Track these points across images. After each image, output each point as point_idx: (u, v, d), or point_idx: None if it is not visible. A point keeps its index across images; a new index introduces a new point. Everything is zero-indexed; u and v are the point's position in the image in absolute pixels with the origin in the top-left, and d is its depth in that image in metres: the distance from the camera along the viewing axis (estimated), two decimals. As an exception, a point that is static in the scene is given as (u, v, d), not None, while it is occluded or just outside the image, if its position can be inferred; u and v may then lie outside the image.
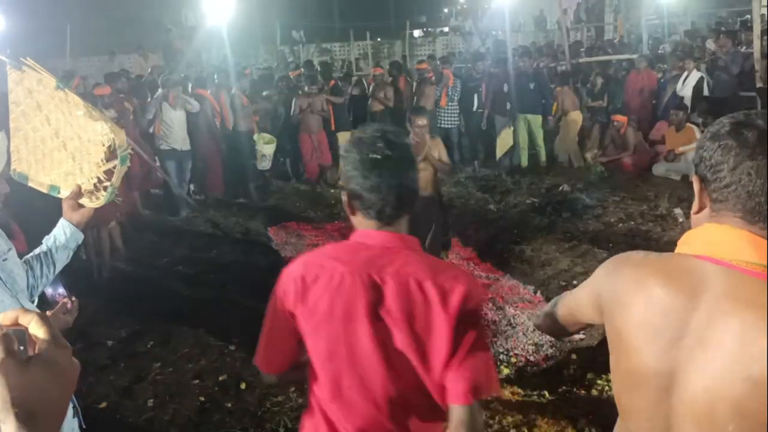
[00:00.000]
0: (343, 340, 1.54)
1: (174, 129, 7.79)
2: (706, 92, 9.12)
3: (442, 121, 9.64)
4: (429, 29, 29.00)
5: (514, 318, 4.88)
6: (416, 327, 1.50)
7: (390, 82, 10.53)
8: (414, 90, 10.33)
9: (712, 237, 1.25)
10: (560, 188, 8.35)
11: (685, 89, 9.17)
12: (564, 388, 3.92)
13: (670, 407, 1.24)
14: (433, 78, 10.04)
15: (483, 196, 8.42)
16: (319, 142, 9.16)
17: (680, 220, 6.81)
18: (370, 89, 10.55)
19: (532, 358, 4.35)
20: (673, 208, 7.19)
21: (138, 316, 5.12)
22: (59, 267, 2.02)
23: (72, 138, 1.85)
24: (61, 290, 2.28)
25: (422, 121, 5.21)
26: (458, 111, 9.75)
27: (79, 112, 1.81)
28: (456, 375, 1.49)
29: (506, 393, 3.91)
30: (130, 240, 6.85)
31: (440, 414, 1.56)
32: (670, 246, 1.37)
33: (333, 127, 9.49)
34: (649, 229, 6.64)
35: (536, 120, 9.33)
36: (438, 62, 11.17)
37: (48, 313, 1.76)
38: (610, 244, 6.16)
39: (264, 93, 9.72)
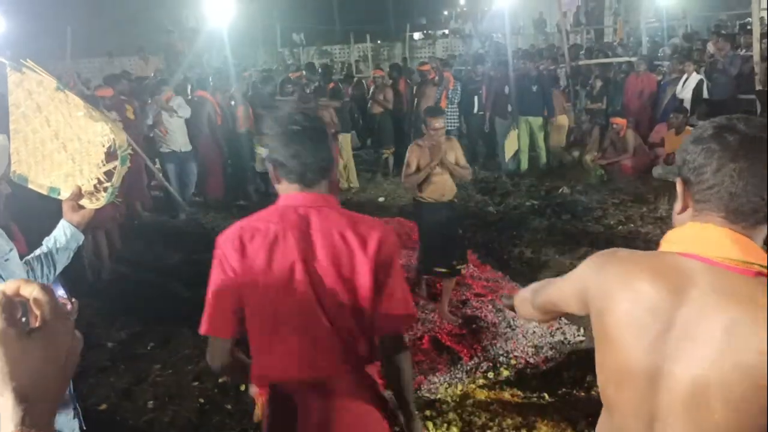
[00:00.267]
0: (281, 288, 1.76)
1: (173, 131, 7.80)
2: (705, 95, 9.12)
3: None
4: (429, 32, 29.00)
5: (513, 320, 4.88)
6: (343, 271, 1.77)
7: (390, 84, 10.54)
8: (414, 92, 10.33)
9: (696, 235, 1.29)
10: (560, 190, 8.36)
11: (685, 92, 9.18)
12: (564, 390, 3.92)
13: (657, 401, 1.29)
14: (436, 79, 10.05)
15: (483, 198, 8.42)
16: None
17: (680, 222, 6.80)
18: (370, 91, 10.56)
19: (531, 360, 4.35)
20: (672, 210, 7.18)
21: (138, 318, 5.12)
22: (59, 268, 2.02)
23: (72, 139, 1.85)
24: (61, 292, 2.28)
25: (439, 122, 4.81)
26: (458, 113, 9.77)
27: (80, 113, 1.81)
28: (383, 310, 1.80)
29: (506, 395, 3.92)
30: (130, 242, 6.85)
31: (373, 352, 1.87)
32: (670, 248, 1.40)
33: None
34: (648, 231, 6.64)
35: (537, 122, 9.36)
36: (439, 63, 11.18)
37: None
38: (610, 246, 6.14)
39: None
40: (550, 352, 4.42)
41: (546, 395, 3.85)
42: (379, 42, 23.23)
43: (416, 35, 26.29)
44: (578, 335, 4.58)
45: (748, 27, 10.82)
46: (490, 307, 5.14)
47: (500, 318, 4.95)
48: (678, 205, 1.38)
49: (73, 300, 2.18)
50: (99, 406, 4.00)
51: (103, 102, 7.04)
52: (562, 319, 4.69)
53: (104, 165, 1.83)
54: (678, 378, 1.25)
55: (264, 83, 9.42)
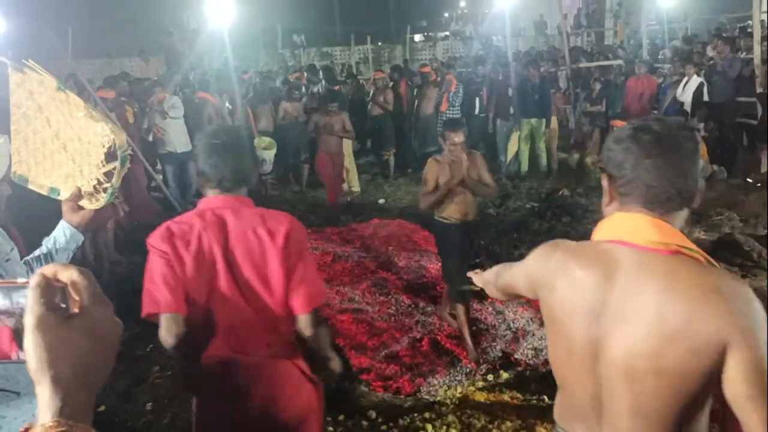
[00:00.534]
0: (206, 277, 2.05)
1: (170, 132, 7.79)
2: (706, 98, 9.12)
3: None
4: (430, 33, 29.05)
5: (513, 322, 4.88)
6: (256, 261, 2.07)
7: (391, 86, 10.54)
8: (415, 93, 10.33)
9: (621, 224, 1.46)
10: (560, 192, 8.35)
11: (685, 95, 9.18)
12: (563, 392, 3.91)
13: (599, 374, 1.45)
14: (437, 80, 10.05)
15: (483, 201, 8.41)
16: (339, 164, 8.15)
17: (680, 225, 6.80)
18: (371, 93, 10.56)
19: (531, 362, 4.35)
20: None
21: (137, 320, 5.11)
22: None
23: (72, 140, 1.85)
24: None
25: (459, 136, 4.30)
26: (460, 115, 9.77)
27: (80, 113, 1.81)
28: (295, 293, 2.09)
29: (505, 397, 3.91)
30: (130, 243, 6.84)
31: (291, 329, 2.15)
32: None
33: None
34: (648, 234, 6.64)
35: (538, 124, 9.37)
36: (441, 65, 11.18)
37: None
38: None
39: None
40: (549, 355, 4.41)
41: (545, 397, 3.85)
42: (379, 44, 23.24)
43: (417, 37, 26.32)
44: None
45: (749, 30, 10.83)
46: (490, 309, 5.14)
47: (500, 320, 4.95)
48: (605, 199, 1.54)
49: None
50: (98, 407, 3.99)
51: (105, 103, 7.04)
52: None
53: (104, 165, 1.83)
54: (614, 352, 1.41)
55: (264, 85, 9.42)
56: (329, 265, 6.39)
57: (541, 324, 4.67)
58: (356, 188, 9.19)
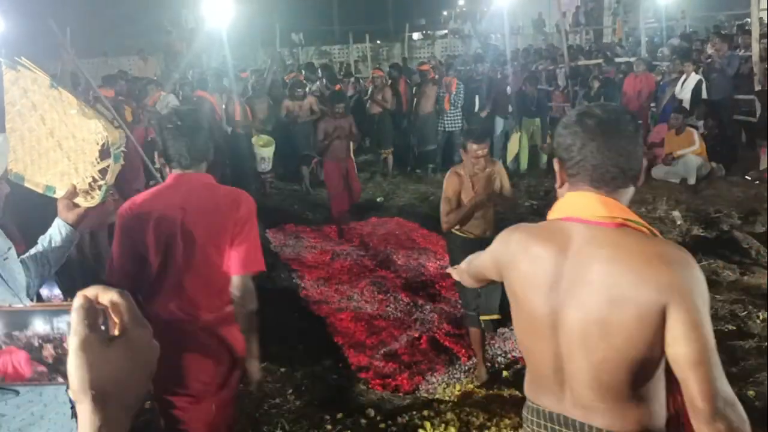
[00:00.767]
0: (170, 242, 2.33)
1: None
2: (704, 95, 9.12)
3: (446, 125, 9.68)
4: (428, 32, 28.98)
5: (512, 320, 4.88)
6: (210, 230, 2.34)
7: (389, 84, 10.53)
8: (414, 92, 10.33)
9: (572, 202, 1.58)
10: (559, 191, 8.34)
11: (684, 92, 9.18)
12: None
13: (558, 343, 1.56)
14: (435, 77, 10.05)
15: (481, 199, 8.41)
16: (348, 170, 7.41)
17: (678, 222, 6.80)
18: (369, 91, 10.56)
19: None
20: (671, 210, 7.18)
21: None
22: (55, 267, 2.01)
23: (67, 137, 1.84)
24: (57, 291, 2.27)
25: (482, 149, 3.88)
26: (461, 114, 9.79)
27: (73, 110, 1.80)
28: (235, 254, 2.35)
29: (504, 395, 3.91)
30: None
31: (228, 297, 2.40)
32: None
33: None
34: (647, 231, 6.64)
35: (538, 124, 9.41)
36: (442, 67, 11.17)
37: None
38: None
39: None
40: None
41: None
42: (378, 42, 23.21)
43: (415, 35, 26.27)
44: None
45: (746, 27, 10.83)
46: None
47: (498, 318, 4.95)
48: (558, 181, 1.65)
49: (69, 299, 2.17)
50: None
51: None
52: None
53: (98, 163, 1.83)
54: (569, 321, 1.52)
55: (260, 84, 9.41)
56: (328, 264, 6.39)
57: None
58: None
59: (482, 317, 4.05)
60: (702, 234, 6.47)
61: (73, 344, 0.69)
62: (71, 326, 0.70)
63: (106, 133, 1.80)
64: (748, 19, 10.31)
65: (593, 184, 1.54)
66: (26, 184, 2.00)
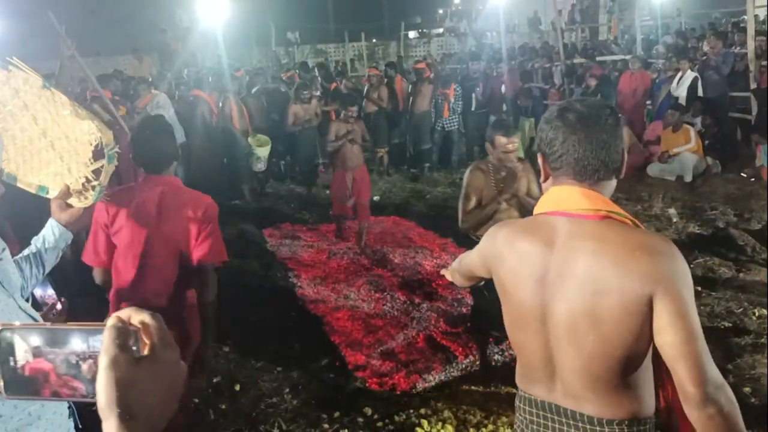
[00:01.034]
0: (137, 237, 2.63)
1: None
2: (700, 92, 9.14)
3: (445, 124, 9.68)
4: (424, 30, 28.98)
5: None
6: (178, 227, 2.63)
7: (385, 82, 10.51)
8: (410, 90, 10.31)
9: (556, 197, 1.60)
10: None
11: (680, 90, 9.19)
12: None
13: (547, 335, 1.59)
14: (431, 76, 10.03)
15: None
16: (360, 180, 6.74)
17: (674, 220, 6.81)
18: (365, 90, 10.54)
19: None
20: (667, 208, 7.20)
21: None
22: (48, 268, 2.00)
23: (60, 138, 1.83)
24: (50, 291, 2.26)
25: (512, 143, 3.58)
26: (459, 113, 9.80)
27: (66, 111, 1.79)
28: (198, 248, 2.66)
29: (501, 393, 3.91)
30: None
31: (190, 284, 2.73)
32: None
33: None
34: (643, 229, 6.64)
35: (531, 122, 9.42)
36: (438, 63, 11.14)
37: (39, 313, 1.75)
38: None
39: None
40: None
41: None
42: (374, 40, 23.22)
43: (411, 34, 26.28)
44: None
45: (742, 25, 10.85)
46: (485, 305, 5.14)
47: (495, 316, 4.95)
48: (542, 176, 1.67)
49: (62, 300, 2.16)
50: (94, 406, 3.97)
51: (100, 102, 7.00)
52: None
53: (92, 163, 1.82)
54: (557, 313, 1.55)
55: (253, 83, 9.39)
56: (324, 263, 6.38)
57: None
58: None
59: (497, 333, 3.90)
60: (698, 231, 6.48)
61: (103, 362, 0.71)
62: (102, 345, 0.72)
63: (99, 133, 1.79)
64: (744, 17, 10.32)
65: (576, 177, 1.57)
66: (19, 184, 1.99)
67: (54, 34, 6.31)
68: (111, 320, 0.74)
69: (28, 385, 0.76)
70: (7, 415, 1.52)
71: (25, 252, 1.97)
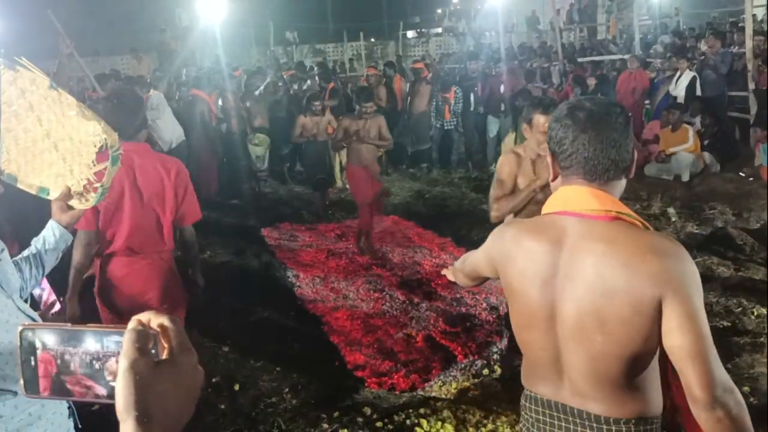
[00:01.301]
0: (116, 199, 2.91)
1: (154, 134, 7.74)
2: (699, 92, 9.15)
3: (444, 123, 9.68)
4: (422, 30, 29.01)
5: (506, 317, 4.88)
6: (155, 189, 2.97)
7: (384, 82, 10.50)
8: (408, 90, 10.31)
9: (566, 196, 1.60)
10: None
11: (678, 89, 9.20)
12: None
13: (555, 335, 1.59)
14: (429, 76, 10.02)
15: (477, 197, 8.42)
16: (372, 177, 6.43)
17: (673, 219, 6.83)
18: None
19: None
20: (666, 207, 7.21)
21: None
22: (48, 269, 2.00)
23: (63, 139, 1.83)
24: (49, 291, 2.26)
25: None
26: (459, 113, 9.80)
27: (72, 112, 1.79)
28: (180, 211, 3.08)
29: (500, 392, 3.92)
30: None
31: (171, 246, 3.15)
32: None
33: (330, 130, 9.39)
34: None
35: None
36: (436, 63, 11.11)
37: (37, 313, 1.75)
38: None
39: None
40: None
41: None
42: (372, 40, 23.20)
43: (410, 33, 26.28)
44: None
45: (740, 24, 10.86)
46: (484, 305, 5.15)
47: (494, 316, 4.96)
48: (551, 175, 1.67)
49: (61, 299, 2.16)
50: (93, 406, 3.98)
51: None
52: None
53: (95, 165, 1.82)
54: (565, 313, 1.54)
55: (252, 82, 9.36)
56: (323, 262, 6.38)
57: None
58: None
59: None
60: (696, 230, 6.49)
61: (122, 365, 0.71)
62: (122, 348, 0.72)
63: (105, 135, 1.79)
64: (743, 16, 10.33)
65: (586, 177, 1.56)
66: (19, 185, 1.99)
67: (52, 33, 6.32)
68: (131, 323, 0.75)
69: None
70: (8, 416, 1.52)
71: (25, 253, 1.97)
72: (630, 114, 1.60)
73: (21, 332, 0.77)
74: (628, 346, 1.48)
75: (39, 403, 1.60)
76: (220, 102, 8.80)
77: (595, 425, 1.58)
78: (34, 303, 2.73)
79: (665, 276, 1.42)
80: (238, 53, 18.33)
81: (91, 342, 0.76)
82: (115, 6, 18.96)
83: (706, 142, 8.50)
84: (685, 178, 8.14)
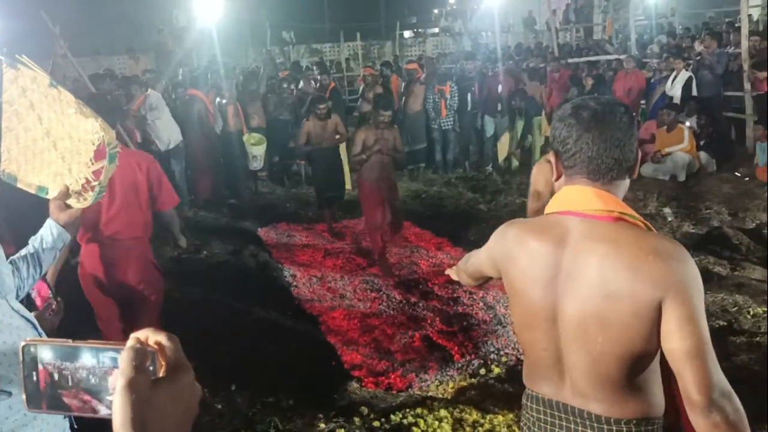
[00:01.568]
0: (110, 200, 3.40)
1: (152, 133, 7.74)
2: (695, 92, 9.16)
3: (441, 123, 9.68)
4: (419, 30, 28.99)
5: (504, 317, 4.90)
6: (129, 181, 3.42)
7: (381, 82, 10.49)
8: (402, 90, 10.30)
9: (569, 196, 1.59)
10: (550, 188, 8.35)
11: (674, 89, 9.21)
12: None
13: (557, 335, 1.59)
14: (423, 77, 10.02)
15: (474, 196, 8.43)
16: (389, 188, 6.01)
17: (669, 219, 6.84)
18: (360, 89, 10.52)
19: (522, 357, 4.35)
20: (662, 207, 7.23)
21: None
22: (45, 268, 1.99)
23: (63, 137, 1.83)
24: (47, 291, 2.25)
25: None
26: (456, 111, 9.80)
27: (71, 110, 1.79)
28: (159, 198, 3.59)
29: (497, 392, 3.92)
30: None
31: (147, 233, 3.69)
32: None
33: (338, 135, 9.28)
34: (638, 228, 6.66)
35: (529, 122, 9.44)
36: (433, 61, 11.10)
37: (33, 314, 1.74)
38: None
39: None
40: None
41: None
42: (369, 40, 23.16)
43: (406, 33, 26.25)
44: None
45: (736, 25, 10.89)
46: (481, 304, 5.16)
47: (491, 315, 4.96)
48: (554, 174, 1.66)
49: (59, 299, 2.16)
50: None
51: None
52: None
53: (93, 164, 1.81)
54: (567, 313, 1.54)
55: (248, 82, 9.34)
56: (320, 262, 6.38)
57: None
58: (347, 185, 9.15)
59: None
60: (692, 230, 6.51)
61: (119, 383, 0.71)
62: (120, 366, 0.72)
63: (103, 132, 1.78)
64: (738, 17, 10.36)
65: (589, 176, 1.55)
66: (18, 185, 1.98)
67: (48, 33, 6.30)
68: (129, 341, 0.74)
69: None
70: (2, 416, 1.52)
71: (23, 252, 1.96)
72: (634, 114, 1.59)
73: (23, 347, 0.77)
74: (629, 347, 1.48)
75: None
76: (217, 100, 8.77)
77: (596, 425, 1.59)
78: (31, 303, 2.72)
79: (667, 278, 1.42)
80: (235, 53, 18.29)
81: (89, 358, 0.76)
82: (113, 6, 18.90)
83: (702, 142, 8.52)
84: (681, 178, 8.16)
